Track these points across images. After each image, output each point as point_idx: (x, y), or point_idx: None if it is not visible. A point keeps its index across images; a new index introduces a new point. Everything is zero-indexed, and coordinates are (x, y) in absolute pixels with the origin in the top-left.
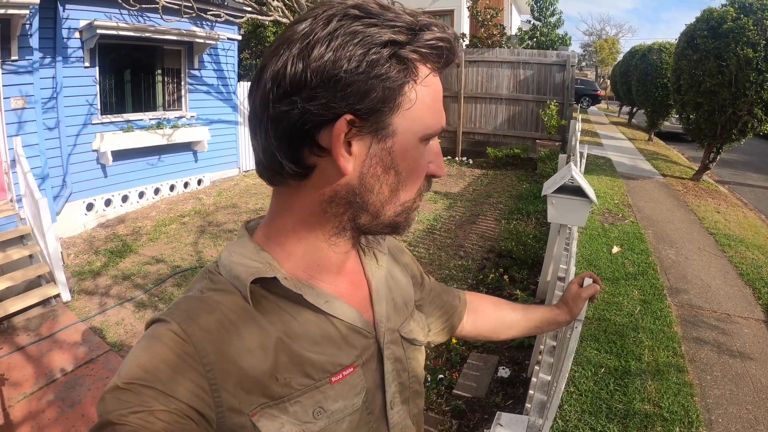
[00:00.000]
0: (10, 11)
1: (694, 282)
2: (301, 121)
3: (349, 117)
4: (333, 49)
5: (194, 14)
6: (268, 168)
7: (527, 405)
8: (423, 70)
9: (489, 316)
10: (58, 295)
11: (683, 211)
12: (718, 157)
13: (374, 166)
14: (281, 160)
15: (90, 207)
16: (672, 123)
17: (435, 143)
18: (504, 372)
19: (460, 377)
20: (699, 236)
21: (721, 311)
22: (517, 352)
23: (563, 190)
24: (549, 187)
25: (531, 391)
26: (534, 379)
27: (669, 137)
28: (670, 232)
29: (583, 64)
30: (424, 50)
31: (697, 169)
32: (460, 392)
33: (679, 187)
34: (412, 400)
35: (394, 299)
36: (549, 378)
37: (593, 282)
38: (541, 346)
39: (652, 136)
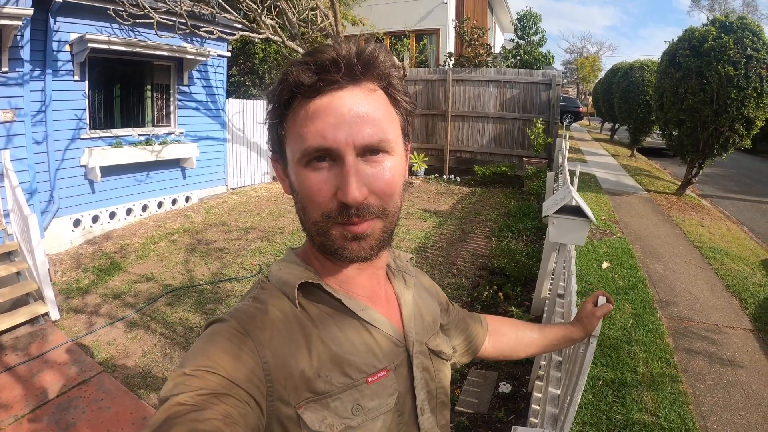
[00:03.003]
0: (3, 22)
1: (683, 294)
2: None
3: (270, 155)
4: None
5: (188, 30)
6: None
7: (531, 419)
8: (294, 102)
9: (509, 337)
10: (46, 314)
11: (668, 225)
12: (701, 171)
13: (292, 189)
14: None
15: (77, 223)
16: (654, 139)
17: (345, 167)
18: (505, 388)
19: (461, 394)
20: (685, 250)
21: (710, 322)
22: (516, 367)
23: (562, 209)
24: (549, 207)
25: (534, 406)
26: (536, 394)
27: (651, 152)
28: (656, 247)
29: (565, 81)
30: (286, 86)
31: (680, 184)
32: (462, 408)
33: (664, 202)
34: (439, 411)
35: (423, 316)
36: (558, 392)
37: (606, 301)
38: (542, 362)
39: (635, 151)
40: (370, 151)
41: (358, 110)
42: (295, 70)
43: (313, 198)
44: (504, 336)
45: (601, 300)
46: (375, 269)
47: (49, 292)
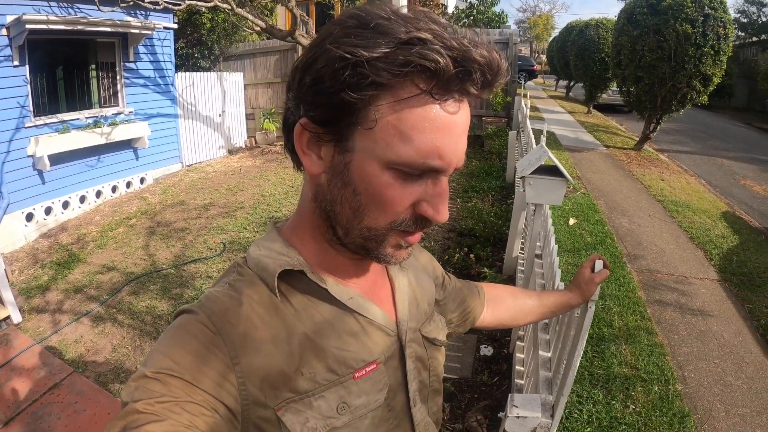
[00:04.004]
0: None
1: (650, 248)
2: (287, 113)
3: (303, 121)
4: (318, 55)
5: (131, 3)
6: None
7: (516, 381)
8: (403, 90)
9: (507, 305)
10: (8, 317)
11: (630, 180)
12: (659, 127)
13: (336, 177)
14: (285, 141)
15: (30, 217)
16: (609, 95)
17: (441, 184)
18: (487, 350)
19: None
20: (648, 204)
21: (678, 274)
22: (494, 329)
23: (537, 170)
24: (525, 168)
25: (518, 367)
26: (519, 355)
27: (606, 109)
28: (620, 201)
29: (519, 39)
30: (398, 68)
31: (638, 139)
32: (446, 374)
33: (623, 158)
34: (431, 398)
35: (417, 299)
36: (549, 354)
37: (603, 266)
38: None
39: (591, 108)
40: None
41: (465, 132)
42: (438, 58)
43: (391, 207)
44: (502, 305)
45: (598, 264)
46: (342, 253)
47: (8, 295)
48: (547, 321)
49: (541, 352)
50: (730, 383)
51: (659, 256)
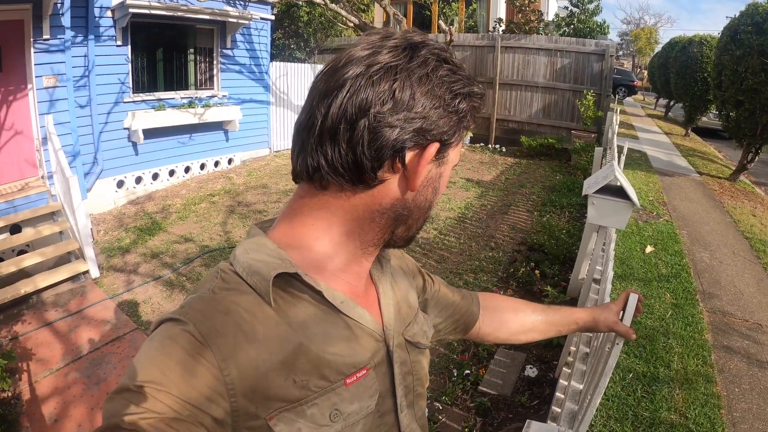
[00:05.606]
0: None
1: (728, 288)
2: (399, 139)
3: (437, 145)
4: (436, 84)
5: None
6: (333, 172)
7: (554, 408)
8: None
9: (507, 317)
10: (86, 272)
11: (719, 212)
12: (757, 157)
13: (428, 187)
14: (364, 168)
15: (120, 184)
16: (709, 119)
17: None
18: (531, 371)
19: (486, 374)
20: (734, 240)
21: (753, 321)
22: (545, 350)
23: (604, 189)
24: (590, 186)
25: (558, 394)
26: (562, 382)
27: (706, 133)
28: (704, 234)
29: (620, 53)
30: (472, 104)
31: (734, 168)
32: (485, 389)
33: (716, 187)
34: (416, 403)
35: (399, 303)
36: (581, 387)
37: (637, 304)
38: (572, 348)
39: (689, 131)
40: None
41: None
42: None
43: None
44: (502, 316)
45: (631, 303)
46: (372, 255)
47: (89, 251)
48: (588, 350)
49: (573, 383)
50: None
51: (736, 298)
